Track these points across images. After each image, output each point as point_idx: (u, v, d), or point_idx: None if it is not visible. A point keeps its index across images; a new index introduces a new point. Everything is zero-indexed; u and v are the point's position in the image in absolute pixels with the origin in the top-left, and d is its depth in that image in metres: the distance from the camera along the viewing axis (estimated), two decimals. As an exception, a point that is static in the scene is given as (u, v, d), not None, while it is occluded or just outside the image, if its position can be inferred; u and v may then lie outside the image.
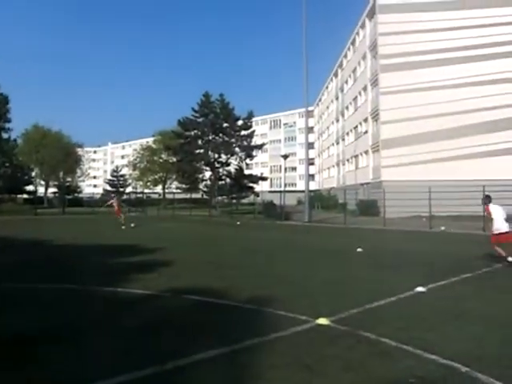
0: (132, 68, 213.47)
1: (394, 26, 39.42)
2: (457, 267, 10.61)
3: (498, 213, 11.30)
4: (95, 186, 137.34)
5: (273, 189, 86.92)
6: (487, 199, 11.88)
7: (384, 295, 7.57)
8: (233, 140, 46.75)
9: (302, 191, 37.54)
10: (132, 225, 25.72)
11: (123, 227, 24.71)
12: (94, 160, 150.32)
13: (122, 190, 73.53)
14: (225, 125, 46.96)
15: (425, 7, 39.35)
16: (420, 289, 8.09)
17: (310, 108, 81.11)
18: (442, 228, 23.16)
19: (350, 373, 4.34)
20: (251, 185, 47.14)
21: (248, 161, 48.65)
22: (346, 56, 56.84)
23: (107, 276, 9.59)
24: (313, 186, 73.33)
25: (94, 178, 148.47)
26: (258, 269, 10.64)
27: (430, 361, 4.69)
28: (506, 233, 11.05)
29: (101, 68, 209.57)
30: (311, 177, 75.70)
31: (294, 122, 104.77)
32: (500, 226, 11.18)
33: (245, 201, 51.95)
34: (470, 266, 10.73)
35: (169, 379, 4.26)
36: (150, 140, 75.98)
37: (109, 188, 75.65)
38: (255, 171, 60.27)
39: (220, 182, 47.41)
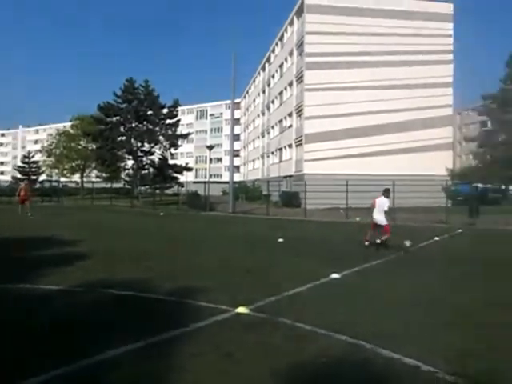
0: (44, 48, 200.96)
1: (320, 27, 40.64)
2: (369, 254, 11.34)
3: (378, 205, 12.50)
4: (2, 173, 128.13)
5: (198, 179, 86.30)
6: (385, 192, 12.82)
7: (301, 282, 7.92)
8: (157, 128, 45.69)
9: (227, 182, 37.76)
10: (29, 214, 24.60)
11: (29, 214, 23.98)
12: (0, 144, 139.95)
13: (34, 177, 69.11)
14: (149, 112, 45.73)
15: (348, 12, 40.98)
16: (335, 275, 8.57)
17: (237, 100, 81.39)
18: (358, 219, 24.43)
19: (268, 358, 4.52)
20: (175, 175, 46.51)
21: (172, 150, 47.90)
22: (273, 51, 57.68)
23: (17, 271, 8.84)
24: (238, 177, 73.90)
25: (1, 164, 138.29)
26: (179, 260, 10.61)
27: (341, 341, 5.04)
28: (376, 223, 12.64)
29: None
30: (236, 168, 76.24)
31: (221, 113, 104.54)
32: (374, 216, 12.68)
33: (169, 191, 51.15)
34: (380, 254, 11.51)
35: (83, 378, 4.07)
36: (68, 125, 72.10)
37: (19, 175, 70.74)
38: (180, 161, 59.48)
39: (143, 172, 46.23)
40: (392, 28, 41.16)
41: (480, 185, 42.25)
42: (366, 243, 12.62)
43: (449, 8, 43.68)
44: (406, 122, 40.27)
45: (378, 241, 12.32)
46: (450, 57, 43.10)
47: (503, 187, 39.85)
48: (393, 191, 24.76)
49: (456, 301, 7.00)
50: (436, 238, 15.56)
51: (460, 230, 18.90)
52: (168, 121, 46.27)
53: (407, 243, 11.64)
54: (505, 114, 41.08)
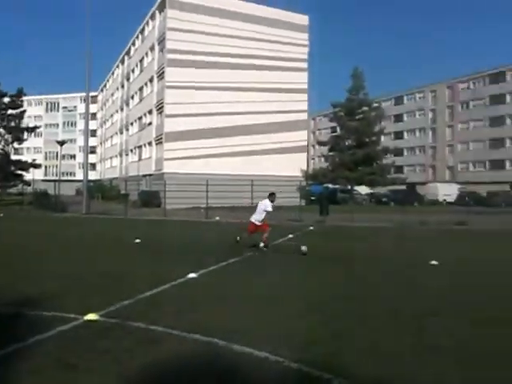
0: None
1: (183, 24, 40.38)
2: (226, 253, 11.45)
3: (260, 207, 12.72)
4: None
5: (48, 177, 79.43)
6: (270, 196, 13.01)
7: (157, 284, 7.64)
8: (-4, 120, 40.88)
9: (81, 181, 35.34)
10: None
11: None
12: None
13: None
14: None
15: (211, 12, 41.39)
16: (192, 275, 8.43)
17: (94, 93, 76.83)
18: (217, 218, 24.73)
19: (118, 365, 4.25)
20: (20, 172, 42.05)
21: (16, 145, 43.26)
22: (134, 44, 55.59)
23: None
24: (93, 175, 69.75)
25: None
26: (23, 267, 9.54)
27: (194, 340, 4.95)
28: (254, 224, 12.65)
29: None
30: (92, 166, 71.91)
31: (75, 107, 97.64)
32: (253, 216, 12.73)
33: (13, 190, 46.12)
34: (237, 252, 11.70)
35: None
36: None
37: None
38: (26, 157, 54.01)
39: (-21, 168, 40.86)
40: (252, 33, 42.69)
41: (330, 185, 46.12)
42: (262, 244, 12.43)
43: (304, 19, 46.83)
44: (265, 124, 42.11)
45: (262, 244, 12.34)
46: (305, 65, 46.23)
47: (349, 188, 43.90)
48: (251, 191, 25.87)
49: (304, 294, 7.36)
50: (290, 236, 16.30)
51: (312, 228, 20.16)
52: (10, 111, 41.66)
53: (303, 248, 11.72)
54: (350, 122, 45.36)
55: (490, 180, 63.32)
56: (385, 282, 8.49)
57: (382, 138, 53.76)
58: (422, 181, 69.09)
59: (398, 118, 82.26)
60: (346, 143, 46.11)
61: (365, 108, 46.00)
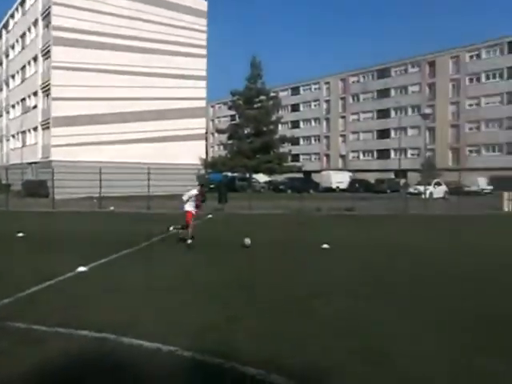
0: None
1: (70, -1, 37.47)
2: (119, 244, 10.90)
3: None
4: None
5: None
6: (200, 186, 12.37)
7: (42, 280, 7.06)
8: None
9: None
10: None
11: None
12: None
13: None
14: None
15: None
16: (81, 268, 7.91)
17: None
18: (112, 208, 23.62)
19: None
20: None
21: None
22: (13, 16, 50.32)
23: None
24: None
25: None
26: None
27: (82, 336, 4.67)
28: (186, 211, 11.65)
29: None
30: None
31: None
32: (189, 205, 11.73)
33: None
34: (131, 242, 11.20)
35: None
36: None
37: None
38: None
39: None
40: (149, 15, 41.05)
41: (229, 173, 46.31)
42: (189, 241, 11.29)
43: (204, 4, 46.10)
44: (163, 110, 40.92)
45: (189, 241, 11.30)
46: (204, 51, 45.66)
47: (248, 175, 44.45)
48: (148, 179, 25.05)
49: (198, 283, 7.28)
50: (188, 224, 16.00)
51: (210, 216, 20.05)
52: None
53: (247, 241, 11.16)
54: (249, 110, 45.82)
55: (377, 168, 68.31)
56: (277, 266, 8.67)
57: (280, 126, 55.16)
58: (317, 169, 72.50)
59: (295, 107, 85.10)
60: (245, 131, 46.58)
61: (262, 97, 46.75)
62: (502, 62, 60.13)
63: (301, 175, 54.60)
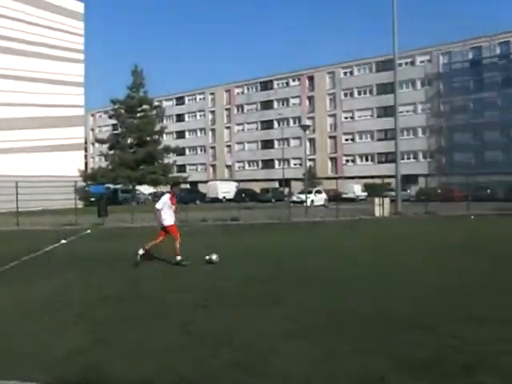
0: None
1: None
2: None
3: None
4: None
5: None
6: (174, 187, 10.93)
7: None
8: None
9: None
10: None
11: None
12: None
13: None
14: None
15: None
16: None
17: None
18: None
19: None
20: None
21: None
22: None
23: None
24: None
25: None
26: None
27: None
28: (168, 226, 10.04)
29: None
30: None
31: None
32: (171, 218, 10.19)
33: None
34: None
35: None
36: None
37: None
38: None
39: None
40: (18, 13, 37.57)
41: (111, 185, 44.02)
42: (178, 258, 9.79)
43: (80, 6, 43.50)
44: (35, 118, 37.61)
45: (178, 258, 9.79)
46: (82, 56, 43.05)
47: (132, 187, 42.72)
48: (16, 193, 22.59)
49: (69, 302, 6.58)
50: (63, 241, 14.76)
51: (89, 231, 18.72)
52: None
53: (214, 257, 9.85)
54: (131, 119, 44.15)
55: (262, 177, 70.20)
56: (156, 280, 8.21)
57: (165, 137, 54.06)
58: (203, 179, 72.43)
59: (180, 117, 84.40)
60: (128, 141, 44.76)
61: (145, 106, 45.39)
62: (372, 79, 65.69)
63: (187, 186, 53.97)
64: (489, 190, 41.87)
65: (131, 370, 3.97)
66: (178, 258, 9.72)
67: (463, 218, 22.40)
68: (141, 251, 9.88)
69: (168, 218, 9.86)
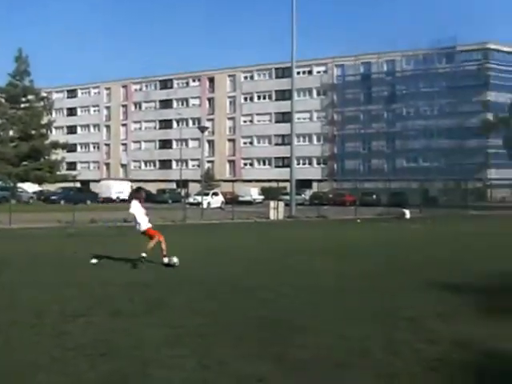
0: None
1: None
2: None
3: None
4: None
5: None
6: (136, 193, 10.78)
7: None
8: None
9: None
10: None
11: None
12: None
13: None
14: None
15: None
16: None
17: None
18: None
19: None
20: None
21: None
22: None
23: None
24: None
25: None
26: None
27: None
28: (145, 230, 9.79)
29: None
30: None
31: None
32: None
33: None
34: None
35: None
36: None
37: None
38: None
39: None
40: None
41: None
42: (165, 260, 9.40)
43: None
44: None
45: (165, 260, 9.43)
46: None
47: (12, 185, 39.01)
48: None
49: None
50: None
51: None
52: None
53: (175, 259, 9.30)
54: (13, 110, 40.46)
55: (159, 178, 68.43)
56: (28, 286, 7.26)
57: (54, 131, 50.33)
58: (96, 178, 68.64)
59: (72, 111, 79.41)
60: (9, 134, 40.83)
61: (31, 97, 41.77)
62: (272, 85, 67.36)
63: (77, 185, 50.65)
64: (374, 196, 44.97)
65: None
66: (165, 259, 9.44)
67: (351, 222, 23.58)
68: (165, 260, 9.44)
69: (143, 223, 9.69)
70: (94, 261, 9.63)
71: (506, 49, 58.28)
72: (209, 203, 36.43)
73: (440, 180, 48.84)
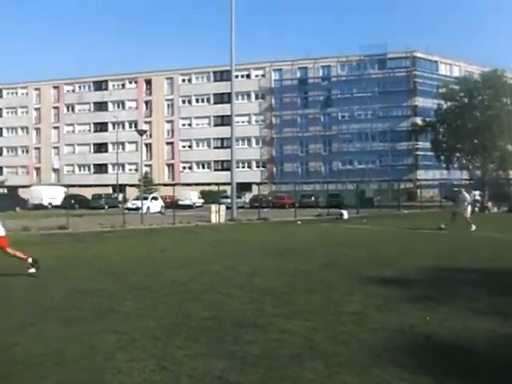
0: None
1: None
2: None
3: None
4: None
5: None
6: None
7: None
8: None
9: None
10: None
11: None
12: None
13: None
14: None
15: None
16: None
17: None
18: None
19: None
20: None
21: None
22: None
23: None
24: None
25: None
26: None
27: None
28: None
29: None
30: None
31: None
32: None
33: None
34: None
35: None
36: None
37: None
38: None
39: None
40: None
41: None
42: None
43: None
44: None
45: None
46: None
47: None
48: None
49: None
50: None
51: None
52: None
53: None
54: None
55: (94, 183, 66.16)
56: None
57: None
58: (25, 184, 65.11)
59: (-3, 113, 75.04)
60: None
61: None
62: (210, 88, 67.29)
63: (4, 191, 47.98)
64: (313, 198, 46.19)
65: None
66: (32, 270, 8.85)
67: (291, 224, 24.11)
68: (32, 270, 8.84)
69: None
70: (32, 270, 9.26)
71: (430, 57, 62.03)
72: (148, 208, 35.72)
73: (374, 181, 51.05)
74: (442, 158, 45.22)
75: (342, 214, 27.07)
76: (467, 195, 19.22)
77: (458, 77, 51.71)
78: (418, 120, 53.48)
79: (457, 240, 14.76)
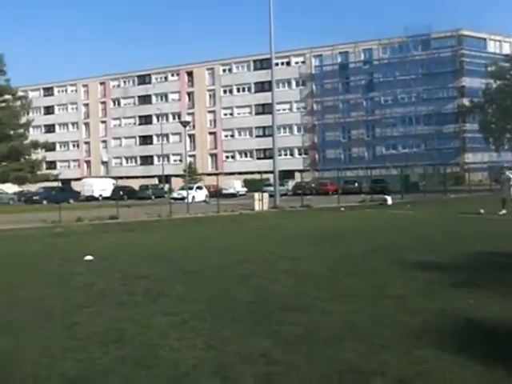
0: None
1: None
2: None
3: None
4: None
5: None
6: None
7: None
8: None
9: None
10: None
11: None
12: None
13: None
14: None
15: None
16: None
17: None
18: None
19: None
20: None
21: None
22: None
23: None
24: None
25: None
26: None
27: None
28: None
29: None
30: None
31: None
32: None
33: None
34: None
35: None
36: None
37: None
38: None
39: None
40: None
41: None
42: None
43: None
44: None
45: None
46: None
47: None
48: None
49: None
50: None
51: None
52: None
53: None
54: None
55: (141, 174, 68.05)
56: (38, 281, 7.53)
57: (32, 130, 49.66)
58: (77, 177, 67.93)
59: (49, 110, 78.17)
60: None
61: (8, 96, 41.06)
62: (250, 77, 67.35)
63: (59, 184, 50.09)
64: (356, 184, 45.65)
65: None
66: None
67: (335, 210, 24.05)
68: None
69: None
70: (88, 257, 9.82)
71: (478, 35, 59.37)
72: (193, 197, 36.49)
73: (419, 166, 49.76)
74: (491, 139, 43.52)
75: (385, 200, 26.68)
76: (510, 175, 18.49)
77: (509, 54, 49.36)
78: (466, 101, 51.52)
79: (505, 224, 14.34)
